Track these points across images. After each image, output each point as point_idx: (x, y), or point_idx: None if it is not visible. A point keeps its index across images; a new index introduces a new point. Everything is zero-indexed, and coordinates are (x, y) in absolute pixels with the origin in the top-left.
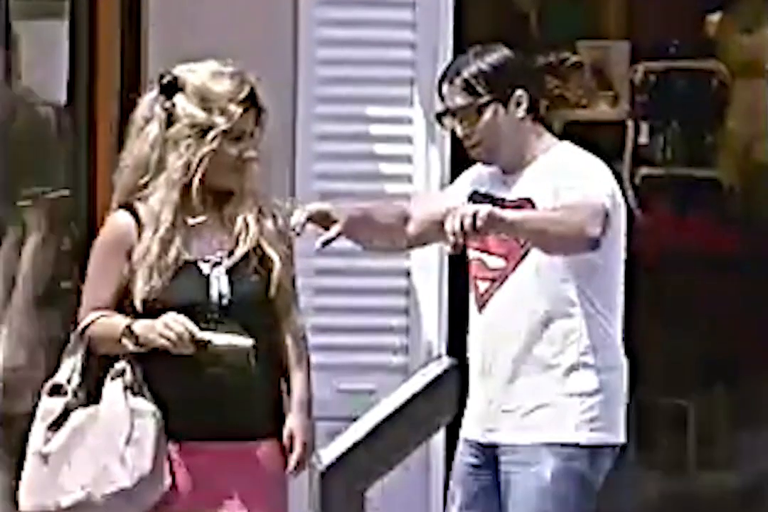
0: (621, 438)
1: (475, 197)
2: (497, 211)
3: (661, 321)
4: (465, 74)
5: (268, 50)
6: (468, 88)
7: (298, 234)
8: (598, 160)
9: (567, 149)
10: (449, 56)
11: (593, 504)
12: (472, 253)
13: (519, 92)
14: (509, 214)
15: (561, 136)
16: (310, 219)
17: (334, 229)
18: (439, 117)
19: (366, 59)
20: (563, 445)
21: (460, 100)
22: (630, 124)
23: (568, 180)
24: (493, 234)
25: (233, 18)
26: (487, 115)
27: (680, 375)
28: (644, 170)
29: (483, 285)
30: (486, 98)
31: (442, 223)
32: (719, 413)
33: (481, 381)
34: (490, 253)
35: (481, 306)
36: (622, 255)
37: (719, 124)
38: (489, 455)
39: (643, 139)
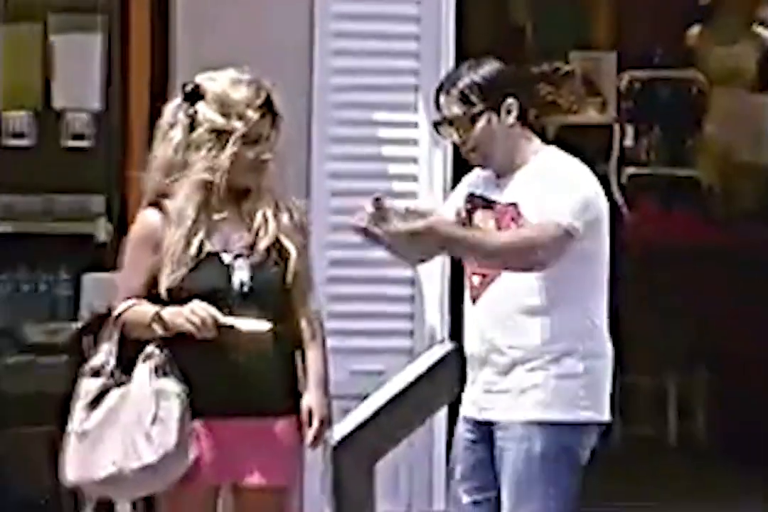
0: (606, 417)
1: (470, 199)
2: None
3: (648, 311)
4: (460, 85)
5: (287, 61)
6: (463, 98)
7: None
8: (582, 165)
9: (554, 154)
10: (451, 65)
11: (579, 476)
12: None
13: (509, 101)
14: (452, 232)
15: (554, 139)
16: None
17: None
18: (437, 125)
19: (375, 68)
20: (553, 423)
21: (456, 110)
22: (616, 127)
23: (554, 184)
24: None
25: (254, 31)
26: (481, 122)
27: (663, 359)
28: (630, 170)
29: (476, 279)
30: (479, 107)
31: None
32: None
33: (477, 368)
34: None
35: (474, 299)
36: (607, 250)
37: (698, 128)
38: (485, 431)
39: (629, 141)
